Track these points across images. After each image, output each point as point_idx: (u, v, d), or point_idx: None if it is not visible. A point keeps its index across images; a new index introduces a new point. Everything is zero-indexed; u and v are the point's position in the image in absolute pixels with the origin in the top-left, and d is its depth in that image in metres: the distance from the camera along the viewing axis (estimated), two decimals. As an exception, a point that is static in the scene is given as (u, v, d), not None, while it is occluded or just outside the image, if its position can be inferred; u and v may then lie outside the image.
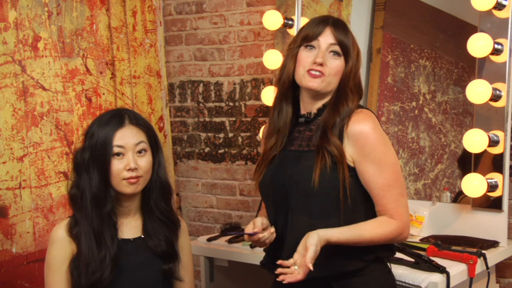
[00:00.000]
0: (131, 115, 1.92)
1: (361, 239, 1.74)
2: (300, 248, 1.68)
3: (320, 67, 1.80)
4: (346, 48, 1.82)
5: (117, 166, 1.85)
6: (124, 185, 1.86)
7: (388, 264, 1.90)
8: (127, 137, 1.87)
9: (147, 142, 1.91)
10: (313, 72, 1.81)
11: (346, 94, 1.81)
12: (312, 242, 1.66)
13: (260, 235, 1.82)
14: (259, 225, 1.82)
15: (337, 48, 1.82)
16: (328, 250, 1.72)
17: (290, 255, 1.72)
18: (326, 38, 1.82)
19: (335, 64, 1.81)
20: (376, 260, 1.81)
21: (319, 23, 1.85)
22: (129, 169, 1.85)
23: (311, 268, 1.63)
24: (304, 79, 1.82)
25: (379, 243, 1.77)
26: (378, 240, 1.76)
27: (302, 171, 1.78)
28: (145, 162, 1.88)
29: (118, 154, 1.86)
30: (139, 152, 1.88)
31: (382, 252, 1.81)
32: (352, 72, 1.82)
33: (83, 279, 1.84)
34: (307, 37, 1.84)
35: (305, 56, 1.83)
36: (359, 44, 1.89)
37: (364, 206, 1.79)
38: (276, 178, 1.85)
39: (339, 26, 1.84)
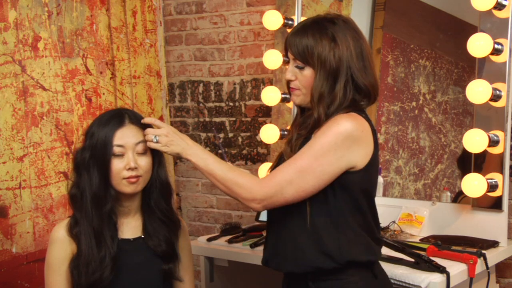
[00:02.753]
0: (131, 114, 1.92)
1: (213, 171, 1.75)
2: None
3: (292, 83, 1.79)
4: (304, 58, 1.75)
5: (117, 165, 1.85)
6: (124, 185, 1.87)
7: (376, 268, 1.81)
8: (127, 137, 1.87)
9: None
10: (291, 88, 1.81)
11: (311, 104, 1.75)
12: (165, 127, 1.82)
13: None
14: None
15: (298, 62, 1.77)
16: (302, 246, 1.74)
17: (270, 241, 1.83)
18: (290, 54, 1.79)
19: (303, 77, 1.77)
20: (354, 264, 1.73)
21: (287, 37, 1.81)
22: (129, 169, 1.85)
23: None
24: (290, 96, 1.85)
25: (228, 187, 1.74)
26: (227, 181, 1.73)
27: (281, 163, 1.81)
28: (145, 161, 1.89)
29: (118, 153, 1.86)
30: (139, 152, 1.88)
31: (358, 255, 1.73)
32: (322, 78, 1.73)
33: (83, 278, 1.84)
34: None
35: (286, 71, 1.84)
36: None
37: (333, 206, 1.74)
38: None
39: (297, 34, 1.77)
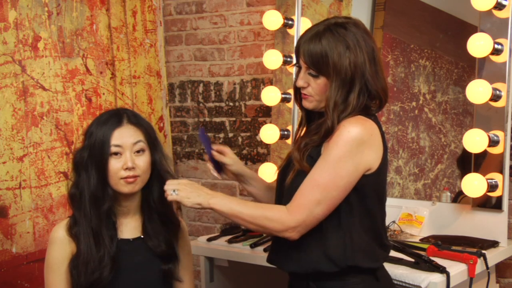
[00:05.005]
0: (130, 114, 1.92)
1: (240, 213, 1.72)
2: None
3: (304, 90, 1.78)
4: (318, 68, 1.73)
5: (115, 165, 1.85)
6: (122, 185, 1.86)
7: (378, 272, 1.80)
8: (125, 136, 1.87)
9: (145, 142, 1.90)
10: (303, 94, 1.79)
11: (326, 113, 1.73)
12: (185, 182, 1.78)
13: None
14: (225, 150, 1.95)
15: (311, 70, 1.75)
16: (307, 247, 1.74)
17: (276, 240, 1.82)
18: (303, 62, 1.77)
19: (316, 85, 1.75)
20: (355, 269, 1.73)
21: (297, 42, 1.78)
22: (126, 168, 1.85)
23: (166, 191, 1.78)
24: (298, 100, 1.83)
25: (259, 224, 1.72)
26: (256, 219, 1.72)
27: (288, 168, 1.81)
28: (143, 161, 1.88)
29: (115, 153, 1.86)
30: (137, 151, 1.88)
31: (360, 262, 1.73)
32: (337, 87, 1.71)
33: (82, 278, 1.83)
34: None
35: (295, 77, 1.82)
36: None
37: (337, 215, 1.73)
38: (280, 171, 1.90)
39: (310, 42, 1.74)
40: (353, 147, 1.68)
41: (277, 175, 1.89)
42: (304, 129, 1.86)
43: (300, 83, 1.78)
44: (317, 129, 1.77)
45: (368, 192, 1.73)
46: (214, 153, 1.94)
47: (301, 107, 1.85)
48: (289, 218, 1.69)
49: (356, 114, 1.73)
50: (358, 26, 1.77)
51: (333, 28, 1.74)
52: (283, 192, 1.79)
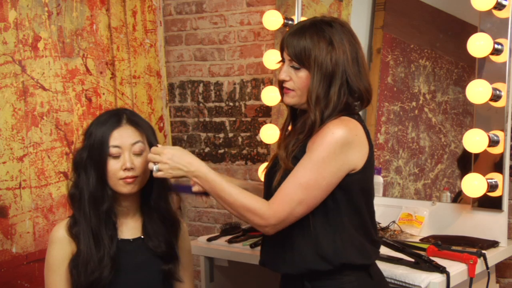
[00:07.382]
0: (129, 114, 1.92)
1: (222, 196, 1.72)
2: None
3: (286, 83, 1.78)
4: (300, 60, 1.74)
5: (114, 166, 1.85)
6: (121, 185, 1.86)
7: (371, 269, 1.80)
8: (123, 137, 1.87)
9: (145, 142, 1.90)
10: (285, 89, 1.80)
11: (309, 107, 1.74)
12: (165, 153, 1.75)
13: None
14: None
15: (294, 63, 1.76)
16: (299, 248, 1.75)
17: (268, 242, 1.84)
18: (286, 54, 1.78)
19: (298, 78, 1.76)
20: (348, 266, 1.74)
21: (283, 37, 1.80)
22: (125, 169, 1.85)
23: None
24: (281, 96, 1.83)
25: (239, 212, 1.72)
26: (237, 207, 1.71)
27: (274, 168, 1.81)
28: (142, 162, 1.88)
29: (114, 154, 1.86)
30: (136, 152, 1.88)
31: (352, 259, 1.74)
32: (318, 80, 1.73)
33: (82, 278, 1.83)
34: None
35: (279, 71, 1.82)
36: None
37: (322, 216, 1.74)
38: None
39: (295, 35, 1.76)
40: (337, 148, 1.68)
41: (264, 176, 1.89)
42: (290, 128, 1.87)
43: (282, 75, 1.78)
44: (302, 127, 1.78)
45: (354, 190, 1.74)
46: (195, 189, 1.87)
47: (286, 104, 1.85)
48: (271, 215, 1.70)
49: (339, 113, 1.74)
50: (344, 26, 1.79)
51: (319, 24, 1.77)
52: (271, 193, 1.78)
